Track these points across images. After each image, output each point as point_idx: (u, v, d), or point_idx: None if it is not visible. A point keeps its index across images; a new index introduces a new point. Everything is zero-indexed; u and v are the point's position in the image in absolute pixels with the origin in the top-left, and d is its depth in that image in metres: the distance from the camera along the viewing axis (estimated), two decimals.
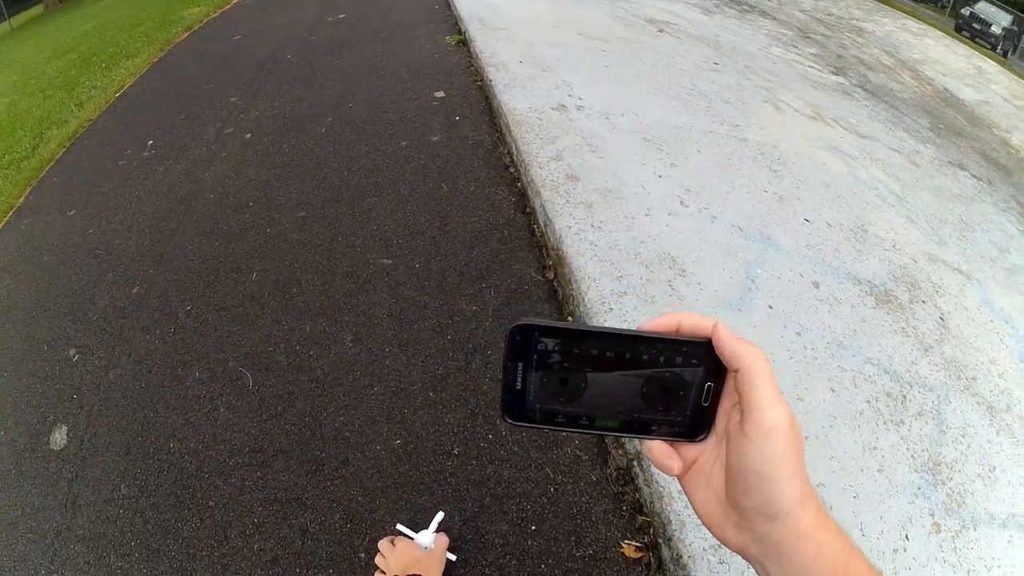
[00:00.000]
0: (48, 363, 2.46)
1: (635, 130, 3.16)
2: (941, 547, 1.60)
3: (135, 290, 2.68)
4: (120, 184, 3.66)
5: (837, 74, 5.46)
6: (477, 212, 2.72)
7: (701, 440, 0.44)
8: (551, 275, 2.33)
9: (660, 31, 5.15)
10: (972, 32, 16.62)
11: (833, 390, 1.97)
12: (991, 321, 2.60)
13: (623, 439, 0.33)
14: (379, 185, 2.98)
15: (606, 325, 0.38)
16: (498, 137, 3.25)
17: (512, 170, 2.98)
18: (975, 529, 1.69)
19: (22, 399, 2.35)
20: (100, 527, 1.81)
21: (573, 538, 1.50)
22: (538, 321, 0.42)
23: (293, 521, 1.66)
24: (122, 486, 1.90)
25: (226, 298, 2.48)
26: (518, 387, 0.44)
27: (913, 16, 10.84)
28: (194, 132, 4.03)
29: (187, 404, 2.07)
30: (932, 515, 1.69)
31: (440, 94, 3.80)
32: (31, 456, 2.11)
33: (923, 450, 1.87)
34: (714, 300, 2.16)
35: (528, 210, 2.71)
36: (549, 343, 0.43)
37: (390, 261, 2.48)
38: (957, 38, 11.88)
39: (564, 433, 0.32)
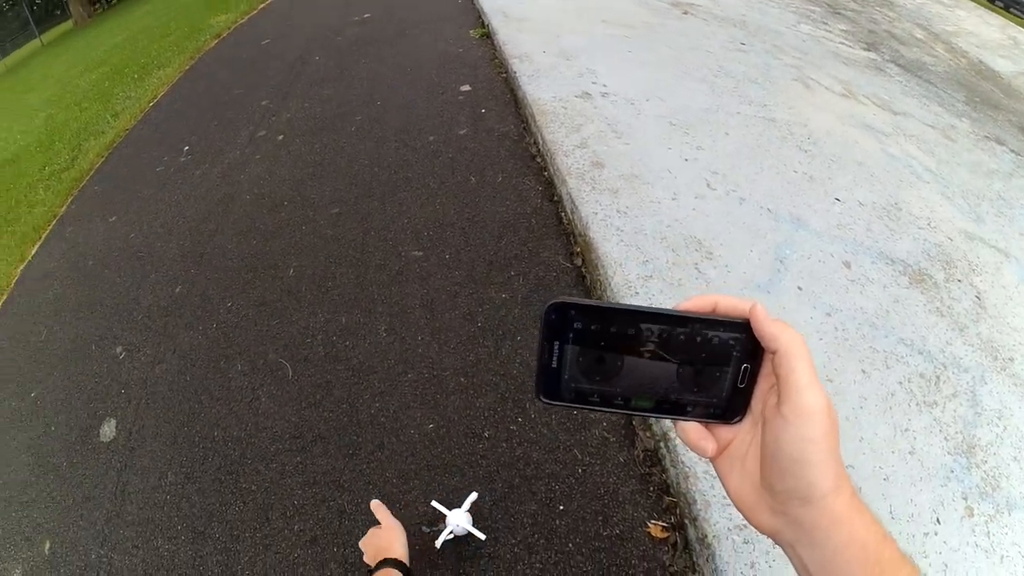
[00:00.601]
0: (96, 361, 2.59)
1: (661, 115, 3.12)
2: (974, 531, 1.56)
3: (177, 289, 2.80)
4: (159, 189, 3.79)
5: (869, 50, 5.27)
6: (505, 202, 2.75)
7: (737, 422, 0.44)
8: (579, 261, 2.35)
9: (685, 13, 5.05)
10: (1005, 2, 15.78)
11: (864, 371, 1.93)
12: None
13: (654, 419, 0.34)
14: (409, 180, 3.03)
15: (644, 306, 0.35)
16: (524, 128, 3.26)
17: (538, 160, 2.98)
18: (1009, 514, 1.64)
19: (72, 395, 2.47)
20: (148, 512, 1.91)
21: (600, 518, 1.52)
22: (574, 299, 0.42)
23: (331, 503, 1.73)
24: (169, 474, 2.00)
25: (265, 294, 2.57)
26: (553, 366, 0.43)
27: None
28: (228, 136, 4.13)
29: (230, 395, 2.17)
30: (965, 499, 1.65)
31: (466, 88, 3.82)
32: (82, 448, 2.23)
33: (957, 432, 1.82)
34: (742, 282, 2.14)
35: (555, 198, 2.72)
36: (585, 322, 0.42)
37: (421, 253, 2.53)
38: (991, 8, 11.28)
39: (598, 413, 0.32)
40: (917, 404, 1.88)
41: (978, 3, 9.90)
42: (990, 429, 1.86)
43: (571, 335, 0.42)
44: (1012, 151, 4.08)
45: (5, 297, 3.47)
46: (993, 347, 2.18)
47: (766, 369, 0.42)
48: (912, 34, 6.40)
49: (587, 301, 0.42)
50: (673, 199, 2.47)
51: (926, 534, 1.55)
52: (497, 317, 2.14)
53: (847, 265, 2.35)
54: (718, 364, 0.42)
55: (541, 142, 2.96)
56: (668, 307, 0.43)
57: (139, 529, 1.88)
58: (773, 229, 2.41)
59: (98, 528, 1.94)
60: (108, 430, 2.25)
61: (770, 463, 0.40)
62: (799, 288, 2.16)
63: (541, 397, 0.45)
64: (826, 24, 5.73)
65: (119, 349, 2.59)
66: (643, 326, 0.42)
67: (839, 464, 0.39)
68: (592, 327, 0.42)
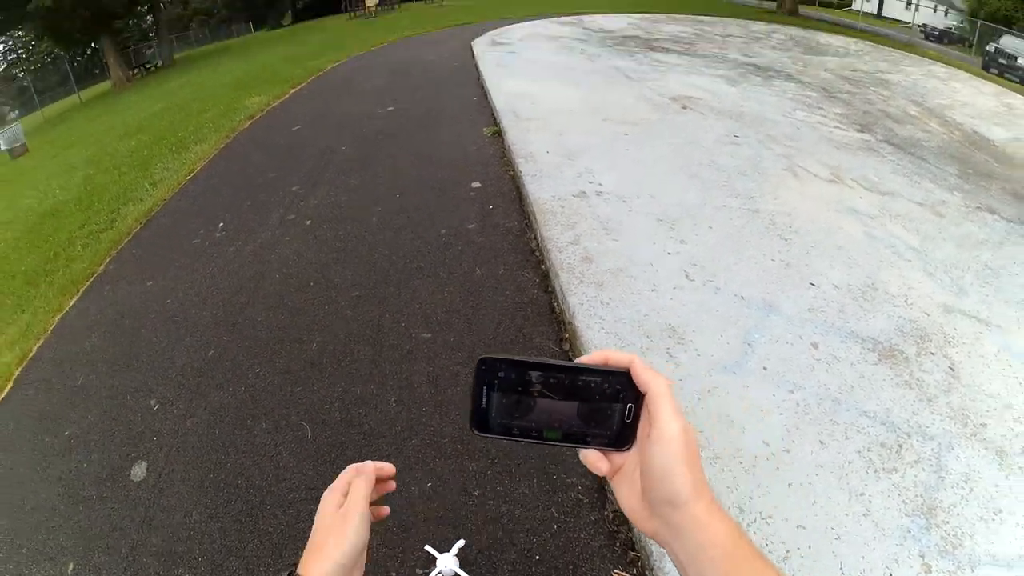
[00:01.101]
0: (131, 410, 2.91)
1: (650, 211, 3.57)
2: None
3: (210, 353, 3.17)
4: (195, 260, 4.20)
5: (862, 131, 5.72)
6: (505, 292, 3.17)
7: (626, 449, 0.54)
8: (567, 346, 2.72)
9: (684, 108, 5.63)
10: (1000, 68, 16.14)
11: (822, 442, 2.16)
12: (1010, 366, 2.64)
13: (565, 447, 0.50)
14: (422, 269, 3.50)
15: (551, 360, 0.57)
16: (526, 224, 3.75)
17: (537, 254, 3.44)
18: (972, 570, 1.77)
19: (106, 438, 2.79)
20: (171, 545, 2.19)
21: (571, 567, 1.81)
22: (499, 355, 0.54)
23: None
24: (194, 512, 2.30)
25: (290, 363, 2.96)
26: (483, 406, 0.54)
27: (940, 61, 10.91)
28: (260, 217, 4.60)
29: (254, 449, 2.51)
30: (922, 556, 1.80)
31: (476, 184, 4.38)
32: (112, 485, 2.52)
33: (916, 496, 1.99)
34: (710, 365, 2.45)
35: (549, 289, 3.13)
36: (507, 372, 0.54)
37: (430, 335, 2.94)
38: (986, 77, 11.71)
39: (518, 443, 0.48)
40: (875, 471, 2.08)
41: (973, 73, 10.40)
42: (954, 492, 2.02)
43: (496, 382, 0.54)
44: (1004, 219, 4.32)
45: (41, 343, 3.79)
46: (964, 414, 2.35)
47: (645, 408, 0.52)
48: (906, 111, 6.85)
49: (508, 356, 0.54)
50: (653, 290, 2.86)
51: None
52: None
53: (815, 346, 2.65)
54: (609, 403, 0.53)
55: (540, 238, 3.42)
56: (569, 361, 0.54)
57: (162, 559, 2.15)
58: (744, 315, 2.75)
59: (122, 555, 2.21)
60: (139, 471, 2.56)
61: (645, 477, 0.51)
62: (764, 368, 2.47)
63: (475, 431, 0.55)
64: (821, 109, 6.25)
65: (153, 401, 2.94)
66: (551, 375, 0.53)
67: (697, 477, 0.49)
68: (512, 376, 0.54)
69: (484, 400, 0.54)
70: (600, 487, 2.05)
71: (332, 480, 0.67)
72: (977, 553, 1.83)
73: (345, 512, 0.67)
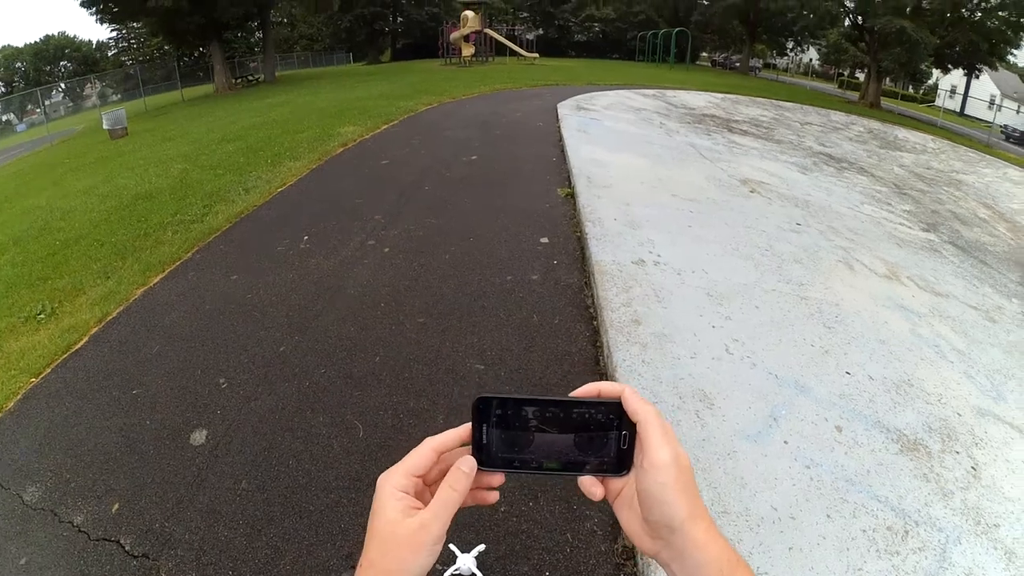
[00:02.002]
0: (199, 383, 3.20)
1: (701, 286, 3.79)
2: None
3: (281, 348, 3.48)
4: (278, 265, 4.55)
5: (928, 231, 5.70)
6: (557, 340, 3.44)
7: (624, 475, 0.55)
8: None
9: (752, 192, 5.82)
10: None
11: (829, 516, 2.26)
12: None
13: (564, 476, 0.51)
14: (484, 308, 3.83)
15: (544, 396, 0.59)
16: (585, 282, 4.03)
17: (591, 310, 3.71)
18: None
19: (172, 403, 3.06)
20: (217, 505, 2.41)
21: None
22: (494, 394, 0.55)
23: None
24: (243, 481, 2.53)
25: (353, 370, 3.26)
26: (484, 442, 0.55)
27: (1017, 164, 10.52)
28: (343, 238, 4.96)
29: (309, 437, 2.78)
30: None
31: (544, 240, 4.73)
32: (170, 444, 2.77)
33: None
34: (734, 431, 2.62)
35: (598, 344, 3.38)
36: (503, 409, 0.54)
37: (483, 367, 3.24)
38: None
39: (520, 475, 0.53)
40: (877, 551, 2.14)
41: None
42: None
43: (494, 419, 0.54)
44: None
45: (121, 309, 4.11)
46: (978, 513, 2.37)
47: (638, 437, 0.53)
48: (976, 213, 6.74)
49: (504, 395, 0.54)
50: (692, 358, 3.06)
51: None
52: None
53: (839, 429, 2.75)
54: (604, 432, 0.54)
55: (596, 296, 3.70)
56: (562, 396, 0.55)
57: (205, 516, 2.36)
58: (775, 392, 2.90)
59: (168, 506, 2.42)
60: (198, 437, 2.82)
61: (642, 502, 0.52)
62: (785, 442, 2.61)
63: (478, 466, 0.55)
64: (889, 205, 6.26)
65: (222, 380, 3.23)
66: (546, 410, 0.54)
67: (692, 500, 0.50)
68: (509, 412, 0.54)
69: (484, 436, 0.55)
70: (614, 523, 2.25)
71: (376, 478, 0.56)
72: None
73: (425, 526, 0.52)
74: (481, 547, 2.05)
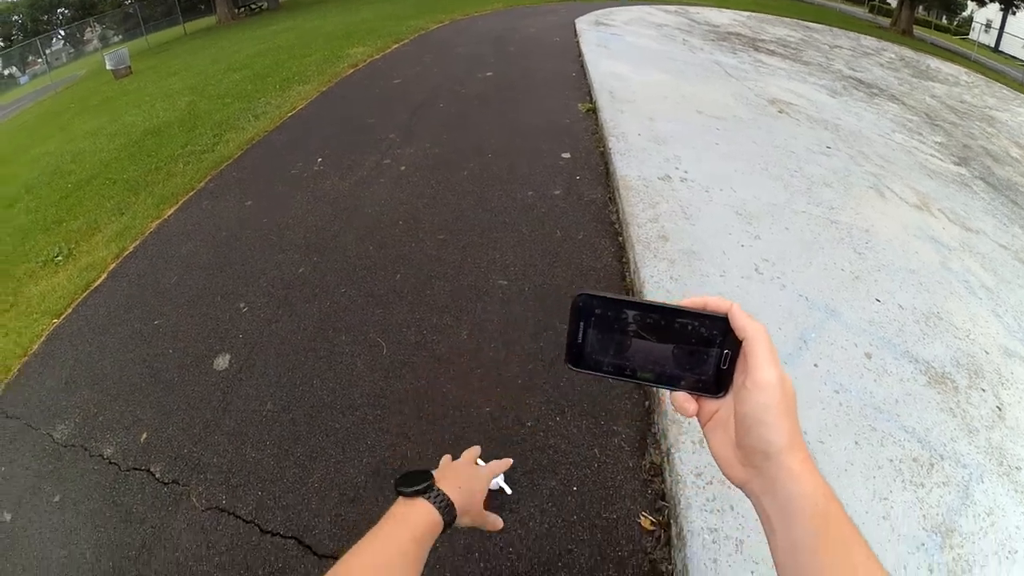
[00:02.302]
0: (220, 309, 3.14)
1: (729, 203, 3.58)
2: None
3: (300, 270, 3.39)
4: (293, 188, 4.42)
5: (959, 164, 5.44)
6: (582, 256, 3.28)
7: (721, 396, 0.53)
8: None
9: (780, 112, 5.49)
10: None
11: (857, 443, 2.20)
12: None
13: (657, 388, 0.52)
14: (506, 224, 3.64)
15: (650, 300, 0.64)
16: (609, 198, 3.82)
17: (616, 226, 3.52)
18: None
19: (194, 330, 3.01)
20: (244, 428, 2.40)
21: (603, 503, 1.96)
22: (597, 292, 0.53)
23: (397, 448, 2.23)
24: (268, 402, 2.50)
25: (374, 288, 3.17)
26: (579, 341, 0.54)
27: None
28: (358, 158, 4.79)
29: (332, 356, 2.72)
30: (931, 571, 1.82)
31: (566, 155, 4.46)
32: (194, 370, 2.74)
33: (938, 514, 2.00)
34: None
35: (624, 260, 3.22)
36: (604, 310, 0.53)
37: (506, 282, 3.10)
38: None
39: (611, 380, 0.50)
40: (903, 481, 2.10)
41: None
42: (975, 521, 2.01)
43: (593, 319, 0.53)
44: None
45: (138, 243, 4.05)
46: (1002, 453, 2.32)
47: (742, 356, 0.51)
48: (1008, 152, 6.44)
49: (607, 294, 0.53)
50: (721, 276, 2.91)
51: None
52: (557, 342, 2.64)
53: (868, 356, 2.65)
54: (705, 348, 0.52)
55: (621, 212, 3.50)
56: (668, 303, 0.53)
57: (232, 438, 2.36)
58: (805, 314, 2.78)
59: (195, 431, 2.41)
60: (222, 362, 2.79)
61: (739, 424, 0.50)
62: (815, 365, 2.51)
63: (569, 364, 0.55)
64: (920, 135, 5.95)
65: (242, 304, 3.16)
66: (648, 315, 0.52)
67: (793, 428, 0.47)
68: (609, 314, 0.53)
69: (580, 336, 0.54)
70: (642, 439, 2.18)
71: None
72: None
73: (481, 469, 0.82)
74: (509, 461, 1.98)
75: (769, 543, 0.48)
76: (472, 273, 3.20)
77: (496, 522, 0.80)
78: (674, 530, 1.88)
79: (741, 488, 0.51)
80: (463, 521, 0.73)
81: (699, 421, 0.55)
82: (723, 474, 0.53)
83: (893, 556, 1.84)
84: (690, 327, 0.52)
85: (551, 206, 3.79)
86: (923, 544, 1.90)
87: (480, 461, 0.90)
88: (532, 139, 4.85)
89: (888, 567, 1.70)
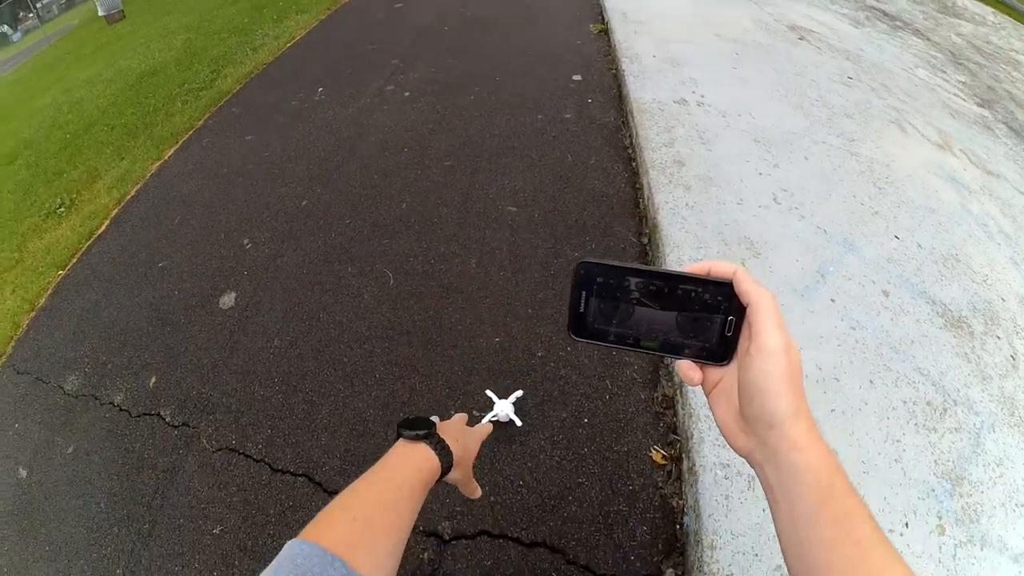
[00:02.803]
0: (224, 247, 3.01)
1: (747, 130, 3.31)
2: (940, 548, 1.65)
3: (304, 203, 3.21)
4: (294, 119, 4.19)
5: (982, 106, 5.09)
6: (594, 181, 3.03)
7: (725, 364, 0.51)
8: (645, 240, 2.63)
9: (800, 39, 5.07)
10: None
11: (872, 382, 2.08)
12: None
13: (662, 356, 0.47)
14: (515, 148, 3.37)
15: (652, 267, 0.61)
16: (622, 121, 3.51)
17: (630, 151, 3.25)
18: (981, 549, 1.69)
19: (198, 270, 2.89)
20: (251, 366, 2.30)
21: (614, 436, 1.84)
22: (599, 259, 0.50)
23: (406, 381, 2.11)
24: (276, 339, 2.40)
25: (379, 217, 2.98)
26: (581, 310, 0.52)
27: None
28: (359, 86, 4.51)
29: (338, 288, 2.58)
30: (939, 517, 1.74)
31: (577, 77, 4.10)
32: (201, 311, 2.64)
33: (949, 460, 1.91)
34: (781, 283, 2.34)
35: (637, 186, 2.98)
36: (606, 277, 0.51)
37: (515, 209, 2.88)
38: None
39: (614, 349, 0.44)
40: (916, 424, 2.00)
41: None
42: (985, 471, 1.91)
43: (595, 287, 0.51)
44: None
45: (139, 186, 3.91)
46: (1014, 404, 2.20)
47: (747, 322, 0.49)
48: None
49: (609, 261, 0.50)
50: (738, 204, 2.69)
51: (891, 531, 1.66)
52: (567, 269, 2.46)
53: (885, 294, 2.49)
54: (709, 315, 0.50)
55: (635, 136, 3.22)
56: (671, 269, 0.51)
57: (240, 377, 2.27)
58: (823, 247, 2.59)
59: (204, 372, 2.33)
60: (227, 300, 2.67)
61: (742, 392, 0.47)
62: (832, 300, 2.34)
63: (571, 334, 0.54)
64: (944, 73, 5.55)
65: (246, 240, 3.02)
66: (651, 282, 0.50)
67: (798, 396, 0.45)
68: (611, 282, 0.51)
69: (583, 304, 0.52)
70: (655, 371, 2.04)
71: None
72: (991, 534, 1.76)
73: (473, 429, 0.80)
74: (519, 393, 1.84)
75: (772, 513, 0.46)
76: (480, 200, 2.98)
77: (476, 490, 0.79)
78: (685, 464, 1.78)
79: (745, 458, 0.49)
80: (453, 475, 0.71)
81: (703, 390, 0.53)
82: (727, 443, 0.50)
83: (903, 500, 1.77)
84: (694, 293, 0.50)
85: (562, 130, 3.49)
86: (933, 490, 1.83)
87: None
88: (541, 62, 4.46)
89: (898, 511, 1.62)
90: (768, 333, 0.45)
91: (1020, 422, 2.16)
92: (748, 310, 0.48)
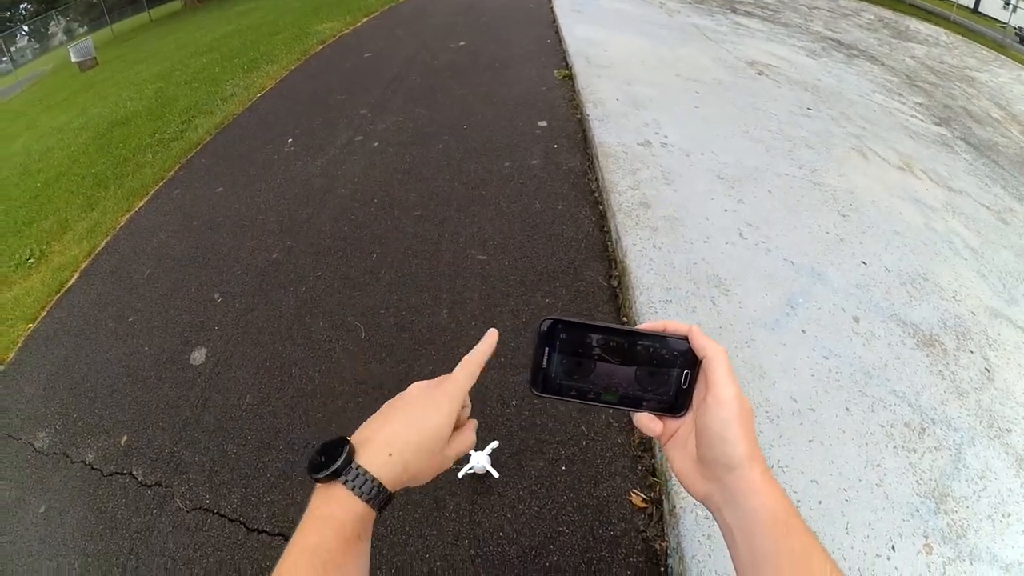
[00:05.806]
0: (195, 302, 3.03)
1: (711, 168, 3.48)
2: (929, 568, 1.69)
3: (274, 256, 3.25)
4: (263, 171, 4.26)
5: (940, 125, 5.39)
6: (562, 227, 3.16)
7: (681, 415, 0.54)
8: (615, 283, 2.74)
9: (759, 74, 5.37)
10: None
11: (848, 409, 2.15)
12: None
13: (621, 410, 0.46)
14: (483, 197, 3.50)
15: (612, 324, 0.65)
16: (588, 166, 3.69)
17: (596, 195, 3.40)
18: (971, 563, 1.74)
19: (169, 325, 2.90)
20: (224, 423, 2.31)
21: (593, 482, 1.88)
22: (562, 316, 0.54)
23: None
24: (247, 396, 2.41)
25: (350, 270, 3.04)
26: (544, 366, 0.55)
27: None
28: (329, 136, 4.62)
29: (310, 344, 2.61)
30: (926, 536, 1.78)
31: (543, 123, 4.30)
32: (171, 367, 2.64)
33: (931, 479, 1.97)
34: (751, 319, 2.44)
35: (605, 229, 3.12)
36: (568, 334, 0.54)
37: (485, 257, 2.98)
38: None
39: (575, 404, 0.44)
40: (895, 447, 2.06)
41: None
42: (969, 485, 1.98)
43: (558, 343, 0.54)
44: None
45: (109, 239, 3.90)
46: (991, 416, 2.29)
47: (702, 375, 0.53)
48: (989, 113, 6.41)
49: (571, 318, 0.54)
50: (705, 242, 2.82)
51: (878, 555, 1.71)
52: (538, 316, 2.51)
53: (856, 320, 2.60)
54: (666, 369, 0.53)
55: (601, 179, 3.38)
56: (630, 326, 0.55)
57: (213, 434, 2.27)
58: (791, 279, 2.71)
59: (175, 430, 2.33)
60: (198, 356, 2.68)
61: (701, 439, 0.51)
62: (803, 331, 2.44)
63: (533, 390, 0.56)
64: (901, 96, 5.89)
65: (216, 294, 3.04)
66: (611, 339, 0.53)
67: (752, 442, 0.49)
68: (573, 338, 0.54)
69: (545, 360, 0.54)
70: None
71: (381, 378, 0.51)
72: (979, 548, 1.81)
73: (440, 381, 0.60)
74: (494, 444, 1.89)
75: (730, 553, 0.49)
76: (450, 249, 3.08)
77: (466, 443, 0.62)
78: (666, 506, 1.82)
79: (703, 502, 0.52)
80: (420, 480, 0.57)
81: (659, 441, 0.56)
82: (686, 489, 0.54)
83: (888, 524, 1.81)
84: (652, 349, 0.53)
85: (529, 176, 3.65)
86: (917, 510, 1.87)
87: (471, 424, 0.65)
88: (508, 109, 4.67)
89: (883, 535, 1.70)
90: (724, 385, 0.50)
91: (1000, 432, 2.24)
92: (704, 363, 0.52)
